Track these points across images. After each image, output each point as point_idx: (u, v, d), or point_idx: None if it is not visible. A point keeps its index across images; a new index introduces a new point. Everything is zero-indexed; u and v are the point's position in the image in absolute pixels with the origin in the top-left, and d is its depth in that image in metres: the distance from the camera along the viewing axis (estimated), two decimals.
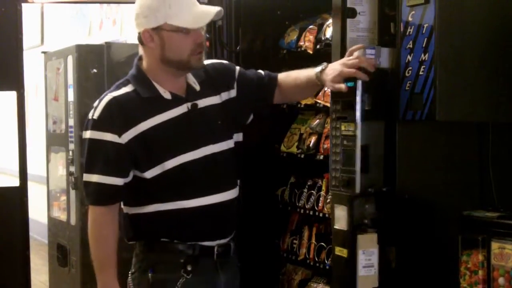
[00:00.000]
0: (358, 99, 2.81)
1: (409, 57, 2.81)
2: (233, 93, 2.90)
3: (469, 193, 2.89)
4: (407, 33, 2.82)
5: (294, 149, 3.93)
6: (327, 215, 3.62)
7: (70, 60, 5.88)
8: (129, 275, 2.82)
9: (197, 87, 2.82)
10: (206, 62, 2.90)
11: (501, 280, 2.56)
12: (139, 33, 2.75)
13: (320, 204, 3.72)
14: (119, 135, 2.69)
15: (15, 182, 4.52)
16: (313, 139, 3.81)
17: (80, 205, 5.74)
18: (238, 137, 2.91)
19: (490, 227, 2.61)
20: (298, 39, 3.92)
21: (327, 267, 3.62)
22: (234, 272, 2.92)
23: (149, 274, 2.74)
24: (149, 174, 2.71)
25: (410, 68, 2.80)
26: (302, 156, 3.86)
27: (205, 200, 2.75)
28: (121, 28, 7.60)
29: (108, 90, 2.80)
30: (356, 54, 2.80)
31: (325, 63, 2.85)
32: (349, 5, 2.91)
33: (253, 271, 3.79)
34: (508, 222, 2.58)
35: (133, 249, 2.84)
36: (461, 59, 2.76)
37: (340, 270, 2.95)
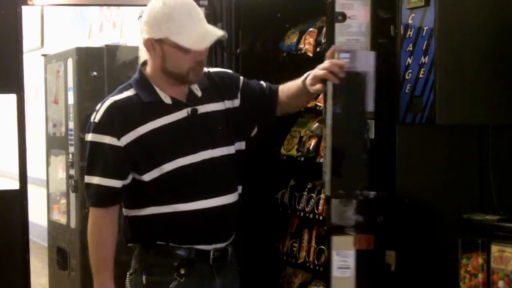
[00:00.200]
0: (329, 101, 2.82)
1: (409, 60, 2.82)
2: (236, 102, 2.92)
3: (469, 196, 2.89)
4: (407, 36, 2.82)
5: (294, 152, 3.93)
6: None
7: (70, 63, 5.88)
8: (127, 276, 2.85)
9: (199, 93, 2.84)
10: (212, 69, 2.95)
11: (501, 284, 2.56)
12: (143, 39, 2.78)
13: (320, 207, 3.72)
14: (118, 138, 2.72)
15: (15, 185, 4.52)
16: (313, 142, 3.81)
17: (80, 208, 5.74)
18: (241, 145, 2.92)
19: (490, 230, 2.61)
20: (298, 41, 3.92)
21: None
22: (233, 276, 2.92)
23: (144, 276, 2.78)
24: (147, 177, 2.74)
25: (410, 70, 2.80)
26: (302, 159, 3.86)
27: (202, 204, 2.76)
28: (121, 30, 7.60)
29: (111, 93, 2.84)
30: (329, 57, 2.84)
31: (310, 71, 2.89)
32: (339, 9, 2.92)
33: (253, 274, 3.79)
34: (508, 225, 2.58)
35: (133, 251, 2.87)
36: (461, 61, 2.76)
37: (324, 271, 2.99)
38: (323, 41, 3.70)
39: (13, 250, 4.50)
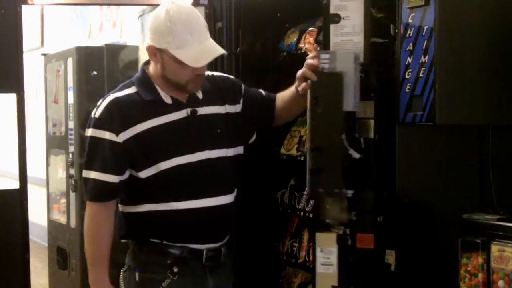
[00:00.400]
0: (308, 101, 2.85)
1: (409, 59, 2.81)
2: (238, 108, 2.96)
3: (469, 196, 2.89)
4: (407, 35, 2.82)
5: (294, 152, 3.93)
6: None
7: (70, 62, 5.88)
8: (121, 273, 2.88)
9: (200, 95, 2.87)
10: (215, 73, 3.00)
11: (500, 283, 2.56)
12: (147, 44, 2.81)
13: None
14: (117, 134, 2.75)
15: (15, 184, 4.52)
16: None
17: (80, 208, 5.74)
18: (239, 149, 2.95)
19: (490, 229, 2.61)
20: (298, 41, 3.91)
21: None
22: (227, 276, 2.95)
23: (137, 273, 2.80)
24: (144, 174, 2.77)
25: (410, 70, 2.80)
26: (302, 158, 3.85)
27: (197, 203, 2.78)
28: (121, 30, 7.59)
29: (112, 90, 2.88)
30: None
31: None
32: (334, 10, 2.93)
33: (252, 274, 3.79)
34: (508, 225, 2.58)
35: (127, 248, 2.90)
36: (461, 61, 2.76)
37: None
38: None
39: (13, 250, 4.50)
